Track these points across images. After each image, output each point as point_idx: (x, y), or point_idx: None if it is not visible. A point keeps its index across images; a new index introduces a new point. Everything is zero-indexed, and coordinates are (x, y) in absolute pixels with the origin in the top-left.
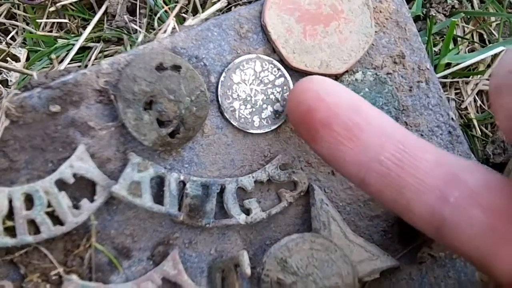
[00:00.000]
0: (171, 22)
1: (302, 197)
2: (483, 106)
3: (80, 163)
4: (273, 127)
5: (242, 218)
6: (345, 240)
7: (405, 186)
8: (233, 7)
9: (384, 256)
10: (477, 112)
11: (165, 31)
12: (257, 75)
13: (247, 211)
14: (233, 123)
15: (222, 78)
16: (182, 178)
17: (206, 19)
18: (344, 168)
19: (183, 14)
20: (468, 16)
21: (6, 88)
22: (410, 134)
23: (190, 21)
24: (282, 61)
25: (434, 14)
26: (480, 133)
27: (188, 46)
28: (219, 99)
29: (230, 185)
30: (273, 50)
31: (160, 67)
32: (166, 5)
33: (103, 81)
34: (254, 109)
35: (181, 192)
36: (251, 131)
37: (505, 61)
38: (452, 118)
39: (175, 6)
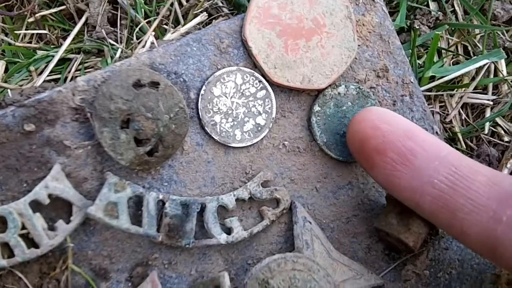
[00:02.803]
0: (150, 36)
1: (284, 215)
2: (468, 120)
3: (55, 183)
4: (255, 141)
5: (223, 238)
6: (329, 259)
7: (458, 208)
8: (214, 20)
9: (368, 275)
10: (462, 125)
11: (143, 46)
12: (238, 87)
13: (228, 230)
14: (214, 137)
15: (202, 92)
16: (161, 197)
17: (187, 33)
18: (400, 193)
19: (164, 26)
20: (453, 28)
21: None
22: (463, 157)
23: (170, 35)
24: (263, 75)
25: (418, 27)
26: (465, 146)
27: (166, 62)
28: (200, 113)
29: (211, 204)
30: (254, 65)
31: (137, 84)
32: (148, 16)
33: (79, 99)
34: (235, 123)
35: (160, 211)
36: (233, 144)
37: None
38: (437, 132)
39: (156, 18)
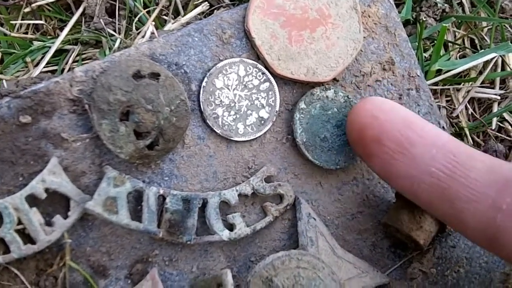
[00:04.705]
0: (150, 26)
1: (288, 211)
2: (475, 114)
3: (52, 177)
4: (258, 134)
5: (225, 234)
6: (333, 257)
7: (456, 197)
8: (215, 10)
9: (373, 273)
10: (469, 120)
11: (143, 36)
12: (240, 79)
13: (230, 227)
14: (216, 130)
15: (204, 84)
16: (161, 192)
17: (188, 23)
18: (397, 183)
19: (164, 16)
20: (459, 21)
21: None
22: (462, 145)
23: (170, 25)
24: (266, 67)
25: (424, 19)
26: (472, 142)
27: (167, 53)
28: (201, 106)
29: (213, 199)
30: (257, 57)
31: (137, 75)
32: (147, 7)
33: (77, 90)
34: (238, 116)
35: (160, 207)
36: (235, 138)
37: None
38: (443, 127)
39: (155, 9)
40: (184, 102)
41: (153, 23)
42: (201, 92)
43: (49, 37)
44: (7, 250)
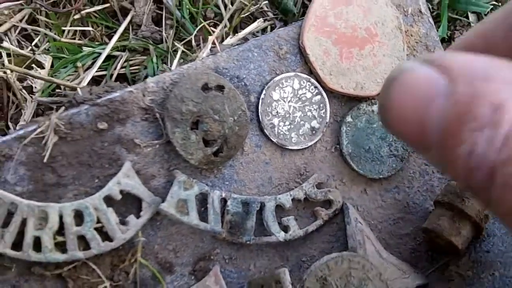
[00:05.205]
0: (212, 41)
1: (335, 215)
2: None
3: (127, 180)
4: (309, 143)
5: (281, 235)
6: (379, 259)
7: None
8: (259, 22)
9: (414, 274)
10: None
11: (197, 45)
12: (295, 92)
13: (284, 228)
14: (272, 139)
15: (262, 96)
16: (223, 195)
17: (245, 38)
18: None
19: (211, 28)
20: None
21: (31, 95)
22: None
23: (229, 39)
24: (318, 81)
25: (458, 37)
26: None
27: (230, 66)
28: (260, 116)
29: (270, 203)
30: (310, 71)
31: (205, 87)
32: (193, 17)
33: (149, 99)
34: (292, 126)
35: (222, 209)
36: (289, 147)
37: None
38: None
39: (205, 20)
40: (244, 112)
41: (216, 38)
42: (260, 103)
43: (96, 43)
44: (86, 247)
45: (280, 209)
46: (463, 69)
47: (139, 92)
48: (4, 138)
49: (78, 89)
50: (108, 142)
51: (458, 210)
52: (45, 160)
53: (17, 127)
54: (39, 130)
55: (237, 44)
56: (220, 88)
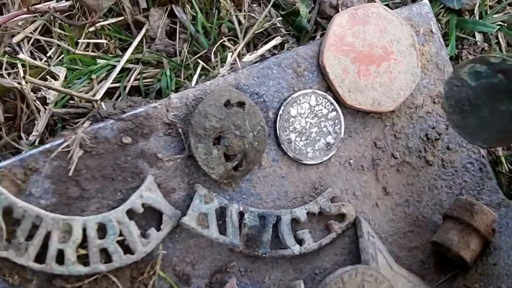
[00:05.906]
0: (233, 58)
1: (348, 228)
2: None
3: (149, 194)
4: (324, 158)
5: (297, 248)
6: (391, 271)
7: None
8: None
9: (424, 286)
10: (504, 149)
11: (217, 62)
12: (312, 109)
13: (299, 241)
14: (289, 154)
15: (280, 112)
16: (241, 208)
17: (262, 56)
18: None
19: (226, 43)
20: None
21: (45, 106)
22: None
23: (248, 56)
24: (336, 98)
25: (465, 57)
26: (508, 170)
27: (250, 83)
28: (278, 131)
29: (285, 217)
30: (327, 88)
31: (227, 104)
32: (207, 31)
33: (172, 115)
34: (308, 141)
35: (239, 222)
36: (305, 161)
37: None
38: (483, 156)
39: (222, 36)
40: (263, 128)
41: (236, 55)
42: (278, 119)
43: (110, 55)
44: (108, 260)
45: (295, 222)
46: None
47: (163, 108)
48: (31, 152)
49: (102, 104)
50: (131, 156)
51: (466, 224)
52: (70, 174)
53: (45, 141)
54: (65, 144)
55: (256, 61)
56: (241, 104)
